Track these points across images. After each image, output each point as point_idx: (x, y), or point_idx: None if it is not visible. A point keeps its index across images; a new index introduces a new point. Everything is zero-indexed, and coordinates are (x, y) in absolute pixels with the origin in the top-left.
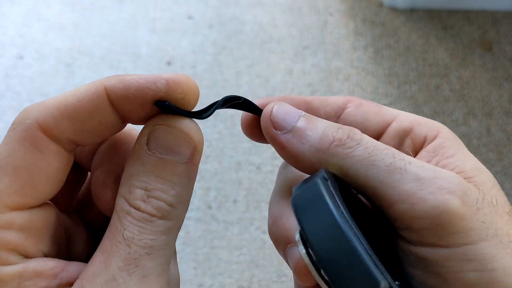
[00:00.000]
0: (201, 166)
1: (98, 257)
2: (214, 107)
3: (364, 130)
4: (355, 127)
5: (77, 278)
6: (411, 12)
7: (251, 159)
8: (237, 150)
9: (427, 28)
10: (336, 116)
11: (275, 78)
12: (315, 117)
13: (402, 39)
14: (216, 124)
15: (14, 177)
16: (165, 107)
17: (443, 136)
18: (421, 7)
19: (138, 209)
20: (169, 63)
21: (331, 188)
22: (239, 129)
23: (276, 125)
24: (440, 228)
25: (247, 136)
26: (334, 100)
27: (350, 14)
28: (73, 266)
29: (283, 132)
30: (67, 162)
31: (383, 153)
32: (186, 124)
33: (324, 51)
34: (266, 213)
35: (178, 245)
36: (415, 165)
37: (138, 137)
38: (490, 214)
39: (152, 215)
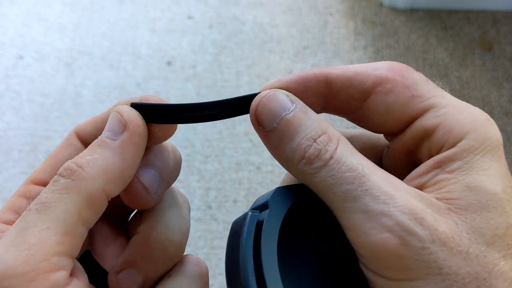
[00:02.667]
0: (201, 166)
1: None
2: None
3: (384, 124)
4: (376, 120)
5: None
6: (411, 12)
7: (251, 159)
8: (237, 150)
9: (427, 28)
10: (361, 100)
11: (275, 78)
12: (301, 117)
13: (402, 39)
14: (216, 124)
15: (46, 161)
16: (140, 107)
17: (463, 144)
18: (421, 7)
19: (56, 173)
20: (169, 63)
21: (263, 228)
22: (239, 129)
23: (259, 122)
24: (378, 261)
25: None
26: (362, 79)
27: (350, 14)
28: None
29: (265, 130)
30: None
31: (344, 177)
32: (121, 107)
33: (324, 51)
34: None
35: None
36: (370, 195)
37: None
38: (441, 252)
39: (59, 175)
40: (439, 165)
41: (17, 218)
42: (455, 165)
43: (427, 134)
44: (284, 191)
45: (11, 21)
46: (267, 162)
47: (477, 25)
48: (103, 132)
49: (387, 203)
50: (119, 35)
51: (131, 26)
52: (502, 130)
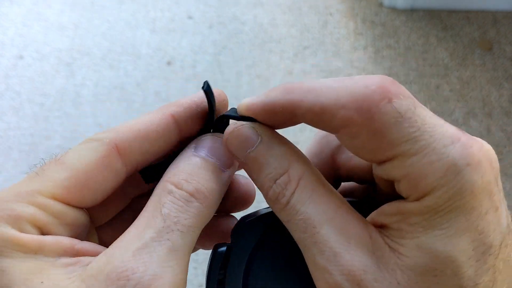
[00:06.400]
0: None
1: (131, 231)
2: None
3: (357, 155)
4: (349, 149)
5: (92, 251)
6: (411, 12)
7: None
8: None
9: (427, 28)
10: (332, 132)
11: (275, 78)
12: (264, 154)
13: (402, 39)
14: None
15: (71, 175)
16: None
17: (426, 201)
18: (421, 7)
19: (180, 187)
20: (169, 63)
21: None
22: None
23: (231, 153)
24: None
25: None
26: (329, 118)
27: (350, 14)
28: (86, 242)
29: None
30: (121, 181)
31: (298, 225)
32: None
33: (324, 51)
34: None
35: None
36: (318, 248)
37: (188, 145)
38: None
39: (191, 195)
40: (402, 213)
41: (38, 233)
42: (414, 219)
43: (395, 180)
44: (250, 225)
45: (11, 21)
46: None
47: (477, 25)
48: (207, 154)
49: (330, 261)
50: (119, 35)
51: (131, 26)
52: (502, 130)
